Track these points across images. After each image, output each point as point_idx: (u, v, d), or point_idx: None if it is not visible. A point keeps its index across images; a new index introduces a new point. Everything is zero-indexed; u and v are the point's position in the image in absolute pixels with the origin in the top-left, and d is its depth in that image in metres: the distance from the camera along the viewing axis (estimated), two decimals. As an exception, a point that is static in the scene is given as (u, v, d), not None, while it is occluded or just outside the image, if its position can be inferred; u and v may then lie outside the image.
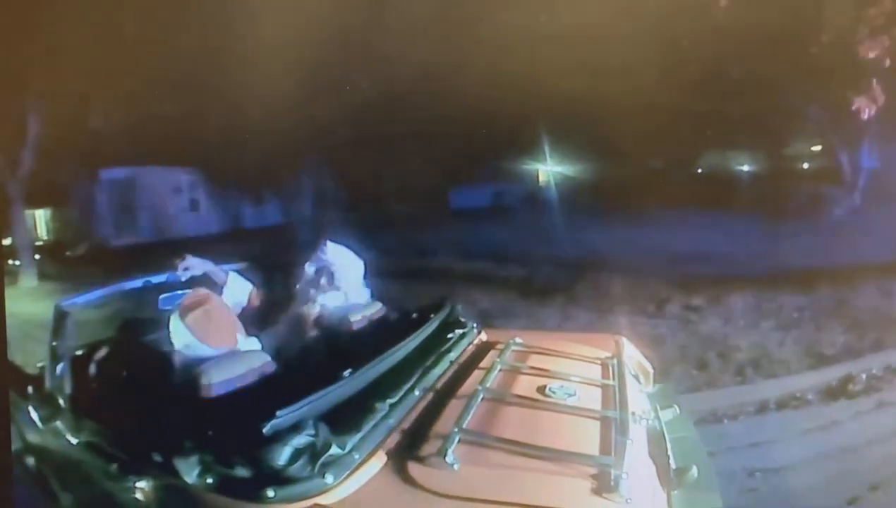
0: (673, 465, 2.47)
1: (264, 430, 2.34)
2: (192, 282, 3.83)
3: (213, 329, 3.23)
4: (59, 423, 3.45)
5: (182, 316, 3.19)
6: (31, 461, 4.60)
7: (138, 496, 2.65)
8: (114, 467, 2.84)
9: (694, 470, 2.38)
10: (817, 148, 22.74)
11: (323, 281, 4.09)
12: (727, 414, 5.75)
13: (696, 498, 2.43)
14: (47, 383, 3.70)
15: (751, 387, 6.45)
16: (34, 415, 3.53)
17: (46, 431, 3.54)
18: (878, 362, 6.71)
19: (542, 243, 16.03)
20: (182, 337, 3.20)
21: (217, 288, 3.80)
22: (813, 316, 8.38)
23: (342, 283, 4.10)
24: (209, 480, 2.36)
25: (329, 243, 4.15)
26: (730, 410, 5.82)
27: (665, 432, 2.81)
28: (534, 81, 17.30)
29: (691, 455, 2.77)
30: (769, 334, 7.83)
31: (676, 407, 3.31)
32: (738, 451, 5.02)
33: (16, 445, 4.85)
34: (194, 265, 3.83)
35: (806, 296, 9.12)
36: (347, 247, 4.22)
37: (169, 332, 3.32)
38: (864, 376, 6.32)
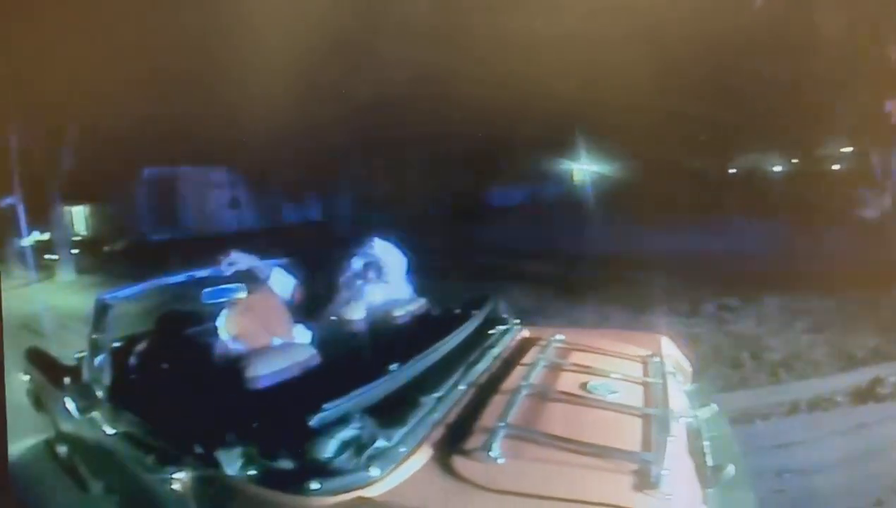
0: (710, 463, 2.48)
1: (311, 423, 2.36)
2: (236, 277, 3.90)
3: (248, 330, 3.33)
4: (95, 414, 3.50)
5: (223, 316, 3.31)
6: (62, 449, 4.69)
7: (175, 487, 2.69)
8: (151, 458, 2.89)
9: (730, 468, 2.39)
10: (848, 149, 22.51)
11: (371, 275, 4.15)
12: (759, 414, 5.74)
13: (730, 497, 2.44)
14: (85, 374, 3.73)
15: (782, 388, 6.43)
16: (70, 406, 3.55)
17: (82, 421, 3.58)
18: (906, 366, 6.70)
19: (579, 242, 16.01)
20: (223, 334, 3.30)
21: (260, 283, 3.87)
22: (844, 319, 8.33)
23: (389, 279, 4.16)
24: (251, 472, 2.39)
25: (377, 239, 4.21)
26: (761, 410, 5.81)
27: (703, 430, 2.83)
28: (566, 81, 17.27)
29: (727, 453, 2.77)
30: (801, 335, 7.80)
31: (714, 405, 3.32)
32: (768, 451, 5.02)
33: (48, 433, 4.96)
34: (238, 260, 3.88)
35: (837, 298, 9.06)
36: (393, 243, 4.28)
37: (220, 328, 3.41)
38: (892, 379, 6.28)
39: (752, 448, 4.99)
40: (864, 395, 6.10)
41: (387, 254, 4.22)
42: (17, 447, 5.38)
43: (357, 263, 4.22)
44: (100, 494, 4.10)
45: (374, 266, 4.19)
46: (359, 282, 4.15)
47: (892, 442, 5.11)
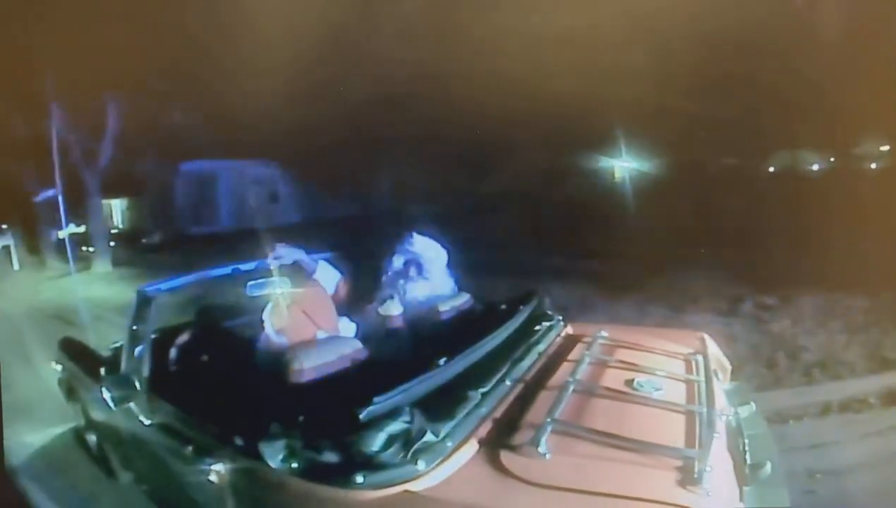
0: (749, 461, 2.53)
1: (361, 416, 2.37)
2: (281, 271, 3.95)
3: (294, 323, 3.41)
4: (132, 404, 3.53)
5: (269, 309, 3.36)
6: (92, 438, 4.75)
7: (212, 478, 2.73)
8: (189, 449, 2.94)
9: (768, 466, 2.44)
10: (885, 148, 22.38)
11: (412, 271, 4.17)
12: (792, 415, 5.72)
13: (765, 494, 2.46)
14: (123, 365, 3.76)
15: (816, 388, 6.39)
16: (106, 395, 3.53)
17: (117, 411, 3.59)
18: (939, 368, 6.66)
19: (619, 239, 15.96)
20: (268, 326, 3.37)
21: (306, 276, 3.91)
22: (879, 320, 8.27)
23: (430, 274, 4.18)
24: (294, 465, 2.41)
25: (416, 235, 4.23)
26: (795, 410, 5.78)
27: (742, 428, 2.86)
28: (603, 77, 17.23)
29: (764, 451, 2.81)
30: (836, 336, 7.75)
31: (753, 404, 3.35)
32: (801, 452, 5.00)
33: (77, 422, 5.04)
34: (285, 254, 3.92)
35: (872, 300, 9.00)
36: (432, 238, 4.30)
37: (261, 317, 3.44)
38: (925, 381, 6.28)
39: (785, 448, 4.98)
40: (896, 398, 6.09)
41: (427, 250, 4.23)
42: (46, 434, 5.51)
43: (397, 260, 4.24)
44: (129, 483, 4.18)
45: (413, 262, 4.21)
46: (400, 281, 4.17)
47: (923, 445, 5.11)
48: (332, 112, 18.90)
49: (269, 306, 3.51)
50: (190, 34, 16.32)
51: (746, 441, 2.70)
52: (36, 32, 13.58)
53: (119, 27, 14.46)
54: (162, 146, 19.90)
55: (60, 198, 17.75)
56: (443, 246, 4.30)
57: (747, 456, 2.58)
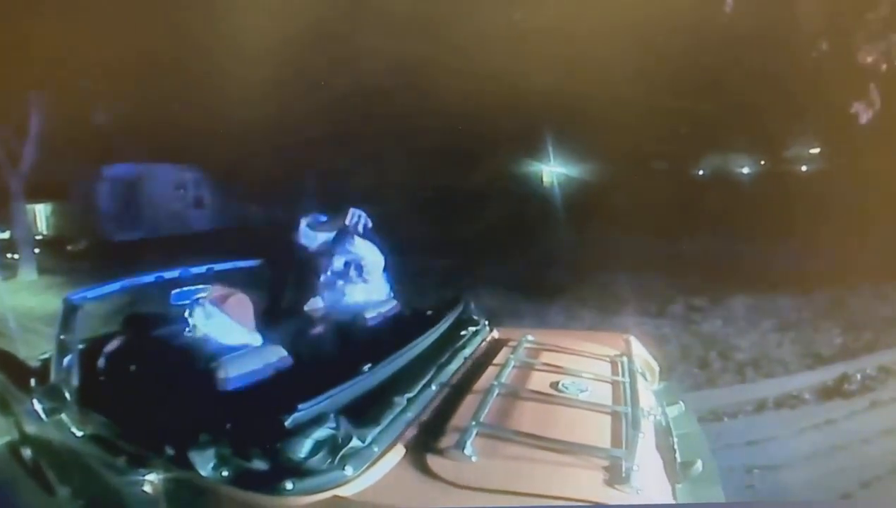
0: (679, 459, 2.53)
1: (286, 423, 2.35)
2: (206, 278, 3.87)
3: (245, 313, 3.37)
4: (63, 416, 3.44)
5: (217, 302, 3.29)
6: (27, 452, 4.60)
7: (146, 489, 2.67)
8: (121, 460, 2.87)
9: (699, 464, 2.44)
10: (815, 151, 22.88)
11: (352, 273, 4.12)
12: (727, 413, 5.83)
13: (699, 491, 2.48)
14: (52, 376, 3.66)
15: (750, 387, 6.53)
16: (38, 408, 3.43)
17: (49, 424, 3.50)
18: (872, 362, 6.81)
19: (548, 243, 16.06)
20: (213, 322, 3.30)
21: (231, 283, 3.83)
22: (811, 318, 8.45)
23: (369, 277, 4.15)
24: (224, 473, 2.38)
25: (356, 237, 4.17)
26: (729, 408, 5.90)
27: (671, 427, 2.88)
28: (535, 80, 17.31)
29: (695, 450, 2.83)
30: (768, 335, 7.91)
31: (682, 403, 3.40)
32: (737, 449, 5.09)
33: (11, 436, 4.88)
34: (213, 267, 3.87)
35: (804, 298, 9.20)
36: (372, 240, 4.25)
37: (192, 321, 3.37)
38: (858, 376, 6.41)
39: (722, 445, 5.06)
40: (831, 392, 6.22)
41: (367, 252, 4.19)
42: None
43: (337, 261, 4.18)
44: (66, 497, 4.05)
45: (354, 263, 4.16)
46: (339, 280, 4.13)
47: (859, 437, 5.22)
48: (294, 108, 18.68)
49: (197, 311, 3.43)
50: (134, 26, 15.96)
51: (676, 439, 2.71)
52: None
53: (46, 21, 14.11)
54: (93, 149, 19.51)
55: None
56: (381, 249, 4.27)
57: (677, 455, 2.58)
